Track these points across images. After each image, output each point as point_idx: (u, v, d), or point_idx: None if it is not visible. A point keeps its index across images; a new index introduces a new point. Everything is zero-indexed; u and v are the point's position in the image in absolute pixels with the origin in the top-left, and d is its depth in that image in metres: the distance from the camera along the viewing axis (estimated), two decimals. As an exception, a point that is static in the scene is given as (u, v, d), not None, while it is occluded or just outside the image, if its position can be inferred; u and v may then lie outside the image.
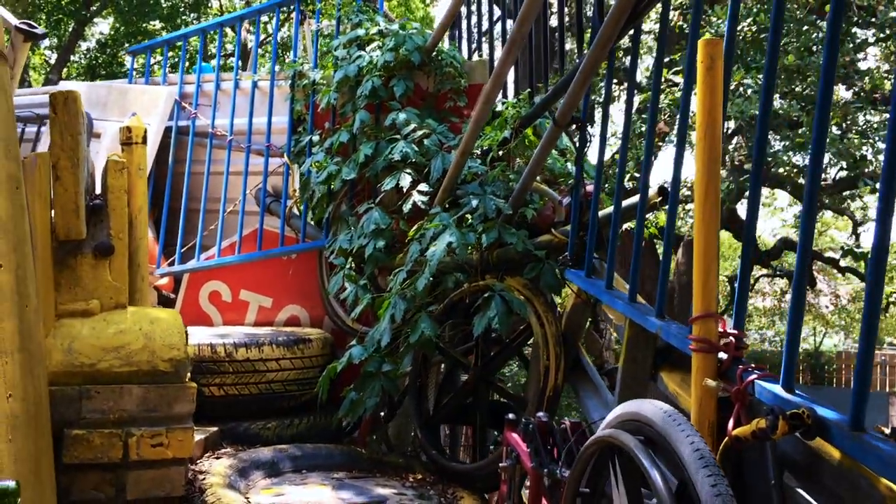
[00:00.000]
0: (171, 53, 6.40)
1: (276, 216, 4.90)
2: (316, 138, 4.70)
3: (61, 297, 2.82)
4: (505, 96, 4.30)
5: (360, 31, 4.50)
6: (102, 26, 17.79)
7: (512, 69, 4.42)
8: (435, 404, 3.81)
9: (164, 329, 2.93)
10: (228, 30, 8.22)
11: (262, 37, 13.83)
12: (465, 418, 3.88)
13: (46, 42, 17.39)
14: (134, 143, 3.40)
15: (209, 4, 15.45)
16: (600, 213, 3.16)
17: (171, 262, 5.06)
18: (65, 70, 15.68)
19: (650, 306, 2.54)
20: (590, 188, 3.27)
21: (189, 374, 3.14)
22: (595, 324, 4.00)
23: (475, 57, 4.78)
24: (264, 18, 11.37)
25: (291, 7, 5.28)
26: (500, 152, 3.74)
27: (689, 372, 1.99)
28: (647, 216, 3.58)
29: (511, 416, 2.80)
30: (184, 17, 14.54)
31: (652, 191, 3.00)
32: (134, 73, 5.89)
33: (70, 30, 15.13)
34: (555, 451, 2.46)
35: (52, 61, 16.11)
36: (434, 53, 4.35)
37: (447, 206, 3.71)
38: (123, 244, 2.99)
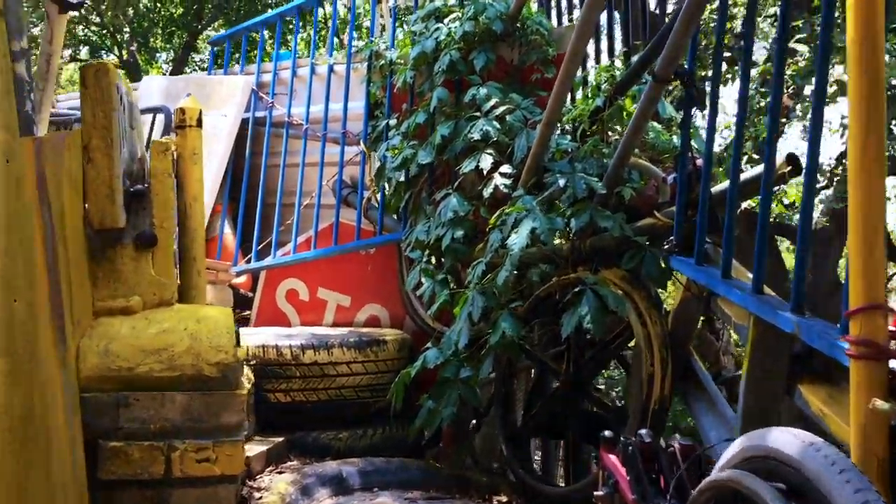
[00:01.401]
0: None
1: (353, 209, 4.58)
2: (393, 122, 4.34)
3: (98, 293, 2.55)
4: (598, 61, 3.79)
5: (438, 2, 4.10)
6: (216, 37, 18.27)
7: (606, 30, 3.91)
8: (523, 414, 3.36)
9: (211, 329, 2.61)
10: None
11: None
12: (556, 431, 3.41)
13: (163, 55, 18.10)
14: (188, 126, 3.13)
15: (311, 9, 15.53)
16: (713, 188, 2.63)
17: (248, 259, 4.83)
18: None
19: (782, 300, 2.01)
20: (699, 161, 2.74)
21: (244, 379, 2.83)
22: (709, 322, 3.44)
23: (565, 22, 4.28)
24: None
25: (370, -14, 4.96)
26: (593, 125, 3.24)
27: (840, 386, 1.47)
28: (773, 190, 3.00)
29: (607, 433, 2.32)
30: (291, 27, 14.66)
31: (779, 159, 2.44)
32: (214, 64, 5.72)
33: (183, 41, 15.58)
34: (661, 480, 1.98)
35: (169, 73, 16.68)
36: (518, 21, 3.89)
37: (532, 188, 3.24)
38: (168, 234, 2.70)
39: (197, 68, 17.06)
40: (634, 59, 3.09)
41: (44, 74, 2.78)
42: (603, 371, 3.65)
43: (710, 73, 3.89)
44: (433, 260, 3.78)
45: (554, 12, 4.34)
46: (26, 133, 2.34)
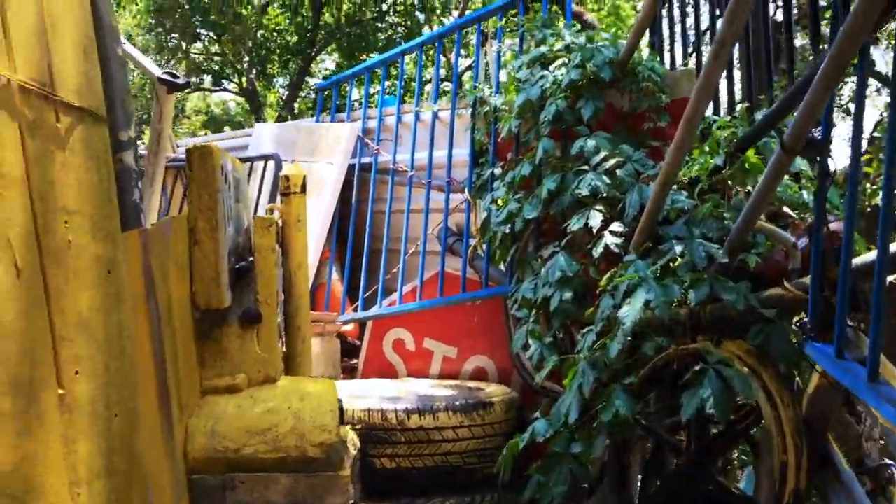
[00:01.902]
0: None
1: (459, 257, 4.51)
2: (498, 171, 4.24)
3: (205, 373, 2.57)
4: (717, 113, 3.55)
5: (544, 49, 3.97)
6: (328, 63, 18.95)
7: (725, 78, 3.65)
8: (640, 492, 3.15)
9: (315, 407, 2.58)
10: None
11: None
12: (675, 511, 3.17)
13: (280, 80, 18.86)
14: (292, 193, 3.14)
15: (421, 32, 15.84)
16: (855, 260, 2.36)
17: (355, 308, 4.84)
18: (295, 105, 16.79)
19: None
20: (837, 226, 2.47)
21: (350, 444, 2.78)
22: (849, 403, 3.13)
23: (679, 67, 4.05)
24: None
25: (473, 29, 4.89)
26: (712, 183, 3.01)
27: None
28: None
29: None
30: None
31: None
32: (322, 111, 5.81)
33: (298, 67, 16.20)
34: None
35: (285, 97, 17.35)
36: (629, 66, 3.71)
37: (645, 250, 3.05)
38: (272, 310, 2.69)
39: (311, 92, 17.66)
40: (759, 114, 2.86)
41: (154, 149, 2.85)
42: (731, 450, 3.38)
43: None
44: (540, 319, 3.63)
45: (667, 56, 4.11)
46: (134, 223, 2.39)
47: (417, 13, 15.84)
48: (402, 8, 15.85)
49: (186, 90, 18.24)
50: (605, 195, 3.36)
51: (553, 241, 3.76)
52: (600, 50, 3.68)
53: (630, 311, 2.69)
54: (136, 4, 14.39)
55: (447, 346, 4.42)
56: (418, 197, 4.80)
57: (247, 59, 15.56)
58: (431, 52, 14.24)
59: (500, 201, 3.92)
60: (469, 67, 13.68)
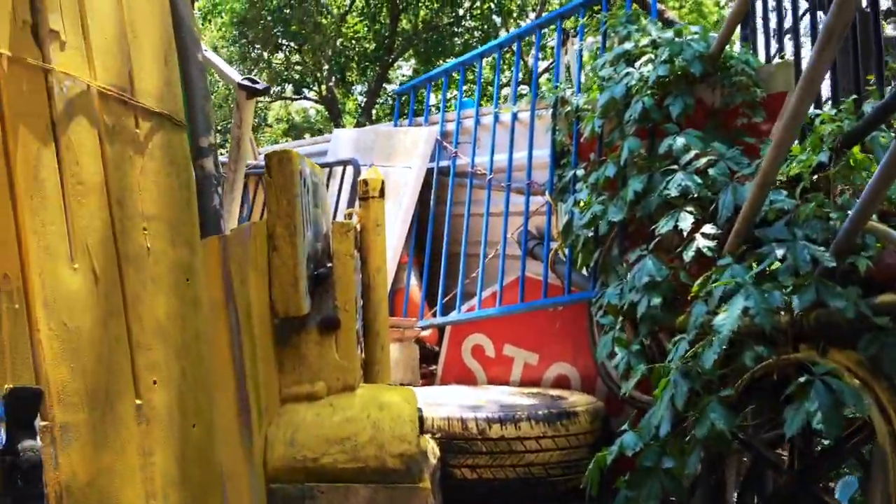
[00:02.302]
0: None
1: (539, 261, 4.38)
2: (580, 172, 4.10)
3: (285, 380, 2.54)
4: (818, 106, 3.32)
5: (629, 45, 3.81)
6: (406, 69, 19.11)
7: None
8: (735, 509, 2.96)
9: (394, 417, 2.51)
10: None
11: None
12: (777, 533, 2.97)
13: (358, 87, 19.14)
14: (371, 198, 3.09)
15: (498, 35, 15.76)
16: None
17: (434, 313, 4.77)
18: (373, 111, 17.00)
19: None
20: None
21: (430, 454, 2.70)
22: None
23: (775, 59, 3.82)
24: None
25: (553, 27, 4.77)
26: (815, 181, 2.81)
27: None
28: None
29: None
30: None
31: None
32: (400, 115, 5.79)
33: (376, 74, 16.38)
34: None
35: (363, 103, 17.58)
36: (720, 60, 3.52)
37: (742, 253, 2.86)
38: (351, 316, 2.64)
39: (388, 98, 17.80)
40: (867, 106, 2.64)
41: (235, 156, 2.85)
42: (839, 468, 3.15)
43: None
44: (626, 326, 3.47)
45: (762, 48, 3.89)
46: (214, 229, 2.38)
47: (494, 17, 15.77)
48: (479, 12, 15.80)
49: (267, 98, 18.67)
50: (695, 196, 3.19)
51: (639, 244, 3.60)
52: (690, 44, 3.50)
53: (727, 319, 2.52)
54: (221, 17, 14.83)
55: (528, 352, 4.30)
56: (498, 200, 4.71)
57: (326, 67, 15.82)
58: (509, 55, 14.17)
59: (582, 204, 3.78)
60: (549, 68, 13.51)
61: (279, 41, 14.62)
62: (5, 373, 1.22)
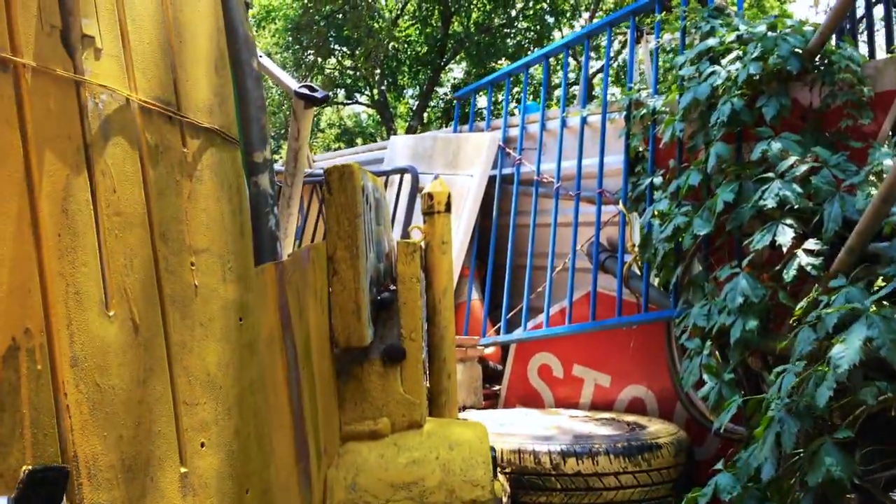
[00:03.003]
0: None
1: (612, 275, 4.09)
2: (658, 181, 3.80)
3: (345, 416, 2.31)
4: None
5: (713, 41, 3.50)
6: (457, 72, 18.94)
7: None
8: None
9: (466, 458, 2.27)
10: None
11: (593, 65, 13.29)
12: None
13: (410, 91, 19.02)
14: (436, 213, 2.85)
15: (551, 36, 15.47)
16: None
17: (497, 329, 4.52)
18: (425, 115, 16.85)
19: None
20: None
21: (499, 488, 2.45)
22: None
23: (881, 54, 3.47)
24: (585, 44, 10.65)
25: (625, 25, 4.47)
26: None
27: None
28: None
29: None
30: (529, 53, 14.72)
31: None
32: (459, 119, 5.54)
33: (428, 77, 16.24)
34: None
35: (415, 107, 17.47)
36: (819, 56, 3.18)
37: (855, 273, 2.54)
38: (417, 346, 2.41)
39: (440, 101, 17.62)
40: None
41: (292, 170, 2.64)
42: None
43: None
44: (713, 350, 3.16)
45: (865, 41, 3.53)
46: (270, 254, 2.17)
47: (547, 17, 15.46)
48: (532, 13, 15.51)
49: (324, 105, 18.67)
50: (795, 207, 2.86)
51: (727, 259, 3.29)
52: (785, 38, 3.17)
53: (847, 351, 2.20)
54: (275, 24, 14.84)
55: (599, 373, 4.02)
56: (565, 210, 4.43)
57: (378, 71, 15.73)
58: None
59: (662, 214, 3.48)
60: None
61: (332, 46, 14.56)
62: (24, 450, 1.01)
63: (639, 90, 4.01)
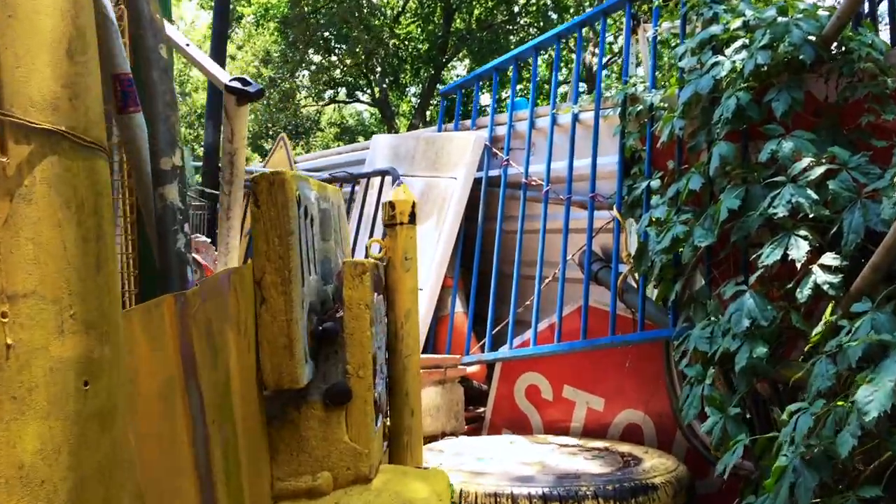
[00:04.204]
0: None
1: (605, 287, 3.72)
2: (656, 184, 3.43)
3: (279, 470, 1.96)
4: None
5: (716, 29, 3.13)
6: (460, 69, 18.64)
7: None
8: None
9: (421, 521, 1.91)
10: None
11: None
12: None
13: (412, 89, 18.68)
14: (398, 225, 2.49)
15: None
16: None
17: (482, 345, 4.16)
18: (428, 113, 16.50)
19: None
20: None
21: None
22: None
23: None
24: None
25: (621, 13, 4.09)
26: None
27: None
28: None
29: None
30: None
31: None
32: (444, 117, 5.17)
33: (430, 75, 15.93)
34: None
35: (417, 105, 17.13)
36: (836, 43, 2.81)
37: (882, 295, 2.17)
38: (366, 385, 2.05)
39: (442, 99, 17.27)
40: None
41: (229, 176, 2.29)
42: None
43: None
44: (718, 377, 2.79)
45: (888, 26, 3.15)
46: (176, 281, 1.81)
47: (550, 13, 15.11)
48: (535, 9, 15.16)
49: (320, 101, 18.30)
50: (810, 216, 2.50)
51: (732, 274, 2.93)
52: (797, 24, 2.80)
53: (876, 395, 1.84)
54: (273, 22, 14.48)
55: (592, 395, 3.65)
56: (556, 214, 4.06)
57: (379, 69, 15.42)
58: (567, 51, 13.42)
59: (660, 222, 3.11)
60: (609, 63, 12.81)
61: (332, 44, 14.22)
62: None
63: (635, 84, 3.64)
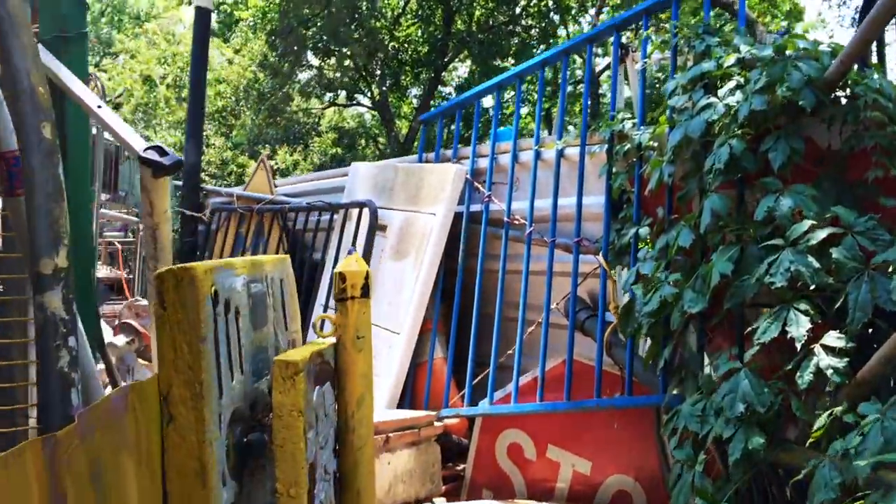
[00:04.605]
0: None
1: (592, 338, 3.46)
2: (644, 231, 3.16)
3: None
4: None
5: (709, 65, 2.85)
6: (462, 70, 18.39)
7: None
8: None
9: None
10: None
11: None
12: None
13: (415, 90, 18.42)
14: (349, 299, 2.22)
15: (557, 35, 14.88)
16: None
17: (462, 395, 3.89)
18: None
19: None
20: None
21: None
22: None
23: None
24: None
25: (610, 41, 3.81)
26: None
27: None
28: None
29: None
30: (534, 51, 14.14)
31: None
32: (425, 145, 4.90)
33: (430, 77, 15.70)
34: None
35: (416, 108, 16.87)
36: (840, 86, 2.53)
37: (894, 399, 1.89)
38: (299, 502, 1.78)
39: (444, 101, 16.97)
40: None
41: (152, 252, 2.03)
42: None
43: None
44: (707, 461, 2.52)
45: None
46: (59, 406, 1.56)
47: (552, 14, 14.83)
48: (536, 10, 14.89)
49: (319, 104, 18.04)
50: (812, 286, 2.22)
51: (724, 341, 2.65)
52: (797, 65, 2.52)
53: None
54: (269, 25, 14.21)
55: (578, 458, 3.38)
56: (540, 256, 3.79)
57: (378, 72, 15.19)
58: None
59: (647, 279, 2.83)
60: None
61: (331, 47, 13.95)
62: None
63: (622, 121, 3.37)
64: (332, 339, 2.25)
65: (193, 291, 1.60)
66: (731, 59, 2.78)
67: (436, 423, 3.56)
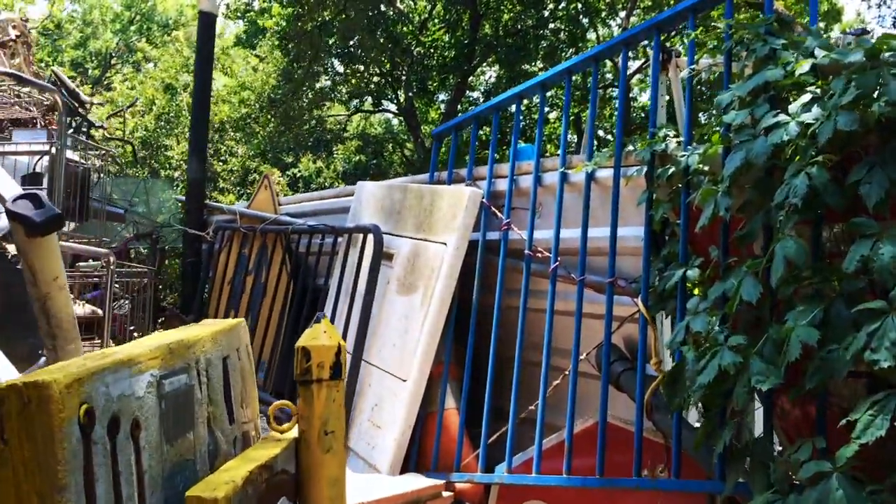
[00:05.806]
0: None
1: (629, 395, 2.91)
2: (693, 274, 2.59)
3: None
4: None
5: (775, 73, 2.29)
6: (490, 74, 17.96)
7: None
8: None
9: None
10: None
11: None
12: None
13: (442, 96, 17.97)
14: (315, 382, 1.71)
15: (586, 38, 14.33)
16: None
17: (476, 455, 3.35)
18: (454, 122, 15.81)
19: None
20: None
21: None
22: None
23: None
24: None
25: (649, 43, 3.25)
26: None
27: None
28: None
29: None
30: (563, 55, 13.60)
31: None
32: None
33: (457, 82, 15.27)
34: None
35: (443, 113, 16.41)
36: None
37: None
38: None
39: (471, 106, 16.47)
40: None
41: (46, 330, 1.53)
42: None
43: None
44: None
45: None
46: None
47: (581, 17, 14.26)
48: (564, 13, 14.34)
49: (346, 111, 17.70)
50: (929, 367, 1.66)
51: (805, 423, 2.09)
52: (894, 73, 1.95)
53: None
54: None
55: (613, 540, 2.83)
56: (568, 293, 3.25)
57: (405, 78, 14.80)
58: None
59: (700, 339, 2.28)
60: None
61: (357, 52, 13.56)
62: None
63: (665, 138, 2.81)
64: (292, 435, 1.74)
65: (47, 417, 1.09)
66: (804, 66, 2.22)
67: (444, 494, 3.03)
